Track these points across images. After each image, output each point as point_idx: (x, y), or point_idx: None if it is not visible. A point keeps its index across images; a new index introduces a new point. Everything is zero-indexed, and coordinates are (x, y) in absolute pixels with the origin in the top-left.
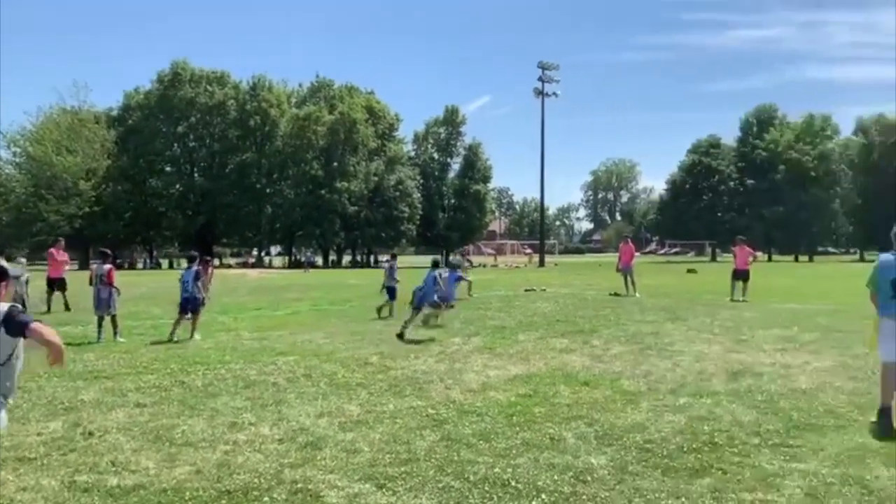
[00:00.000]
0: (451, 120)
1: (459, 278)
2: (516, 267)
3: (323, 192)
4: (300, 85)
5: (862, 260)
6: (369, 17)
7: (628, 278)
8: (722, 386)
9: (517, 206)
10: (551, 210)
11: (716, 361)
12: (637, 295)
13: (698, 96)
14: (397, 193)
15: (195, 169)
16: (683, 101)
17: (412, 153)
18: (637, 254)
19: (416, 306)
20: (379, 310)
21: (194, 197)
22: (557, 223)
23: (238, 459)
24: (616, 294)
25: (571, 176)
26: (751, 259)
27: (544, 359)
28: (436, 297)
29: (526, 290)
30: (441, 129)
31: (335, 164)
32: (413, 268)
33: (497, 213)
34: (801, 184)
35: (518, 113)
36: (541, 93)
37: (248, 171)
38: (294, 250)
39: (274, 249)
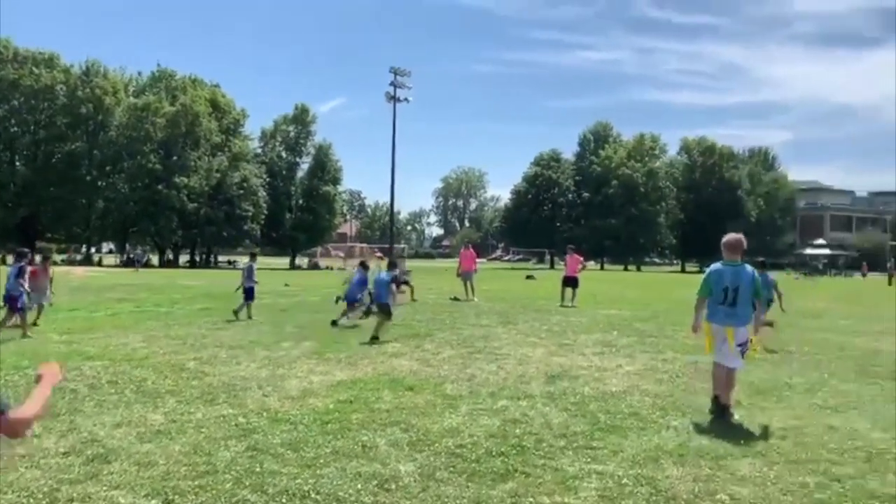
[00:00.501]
0: (301, 118)
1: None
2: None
3: (160, 187)
4: (139, 73)
5: (683, 271)
6: (218, 10)
7: (468, 283)
8: (539, 389)
9: (369, 210)
10: (403, 215)
11: (538, 364)
12: (475, 299)
13: (544, 111)
14: (241, 191)
15: (16, 157)
16: (530, 115)
17: (259, 150)
18: (482, 259)
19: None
20: (236, 312)
21: (14, 187)
22: (409, 228)
23: (9, 477)
24: (456, 299)
25: (425, 181)
26: (580, 267)
27: (373, 363)
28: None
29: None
30: (290, 128)
31: (174, 158)
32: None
33: (349, 216)
34: (632, 198)
35: (373, 116)
36: (393, 97)
37: (78, 162)
38: (128, 247)
39: (106, 246)
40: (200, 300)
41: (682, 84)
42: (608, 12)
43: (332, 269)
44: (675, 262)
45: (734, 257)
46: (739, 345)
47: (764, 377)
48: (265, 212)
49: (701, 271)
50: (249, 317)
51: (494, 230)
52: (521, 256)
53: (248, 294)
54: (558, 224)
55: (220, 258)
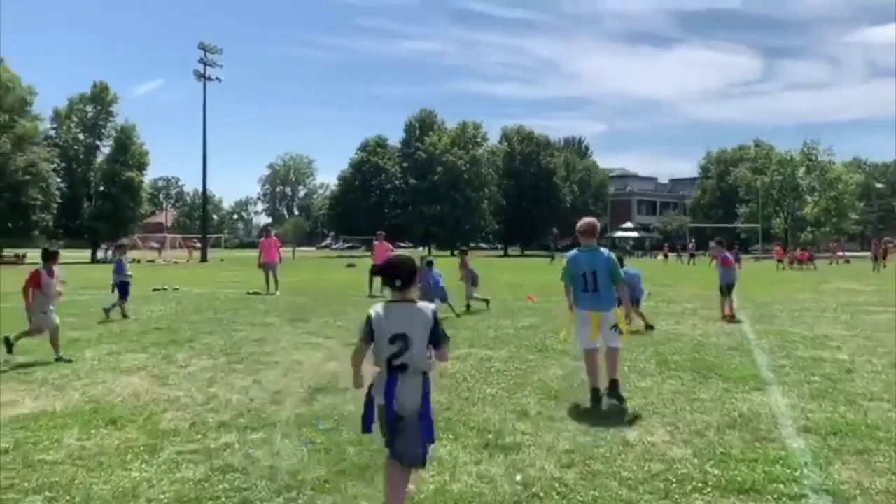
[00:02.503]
0: (101, 97)
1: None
2: (175, 262)
3: None
4: None
5: (506, 255)
6: None
7: (270, 275)
8: (290, 411)
9: (188, 198)
10: (227, 203)
11: (306, 375)
12: (277, 293)
13: (371, 98)
14: (28, 177)
15: None
16: (357, 102)
17: (52, 133)
18: (309, 248)
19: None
20: (107, 311)
21: None
22: (235, 216)
23: None
24: (256, 293)
25: (252, 169)
26: (390, 255)
27: (90, 384)
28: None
29: (154, 290)
30: (88, 108)
31: None
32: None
33: (166, 205)
34: (456, 184)
35: (192, 99)
36: (202, 76)
37: None
38: None
39: None
40: None
41: (503, 76)
42: (434, 3)
43: (138, 261)
44: (498, 246)
45: (590, 241)
46: (612, 327)
47: (559, 374)
48: (58, 199)
49: (523, 255)
50: (124, 316)
51: (323, 218)
52: (350, 244)
53: (122, 291)
54: (386, 210)
55: (6, 252)
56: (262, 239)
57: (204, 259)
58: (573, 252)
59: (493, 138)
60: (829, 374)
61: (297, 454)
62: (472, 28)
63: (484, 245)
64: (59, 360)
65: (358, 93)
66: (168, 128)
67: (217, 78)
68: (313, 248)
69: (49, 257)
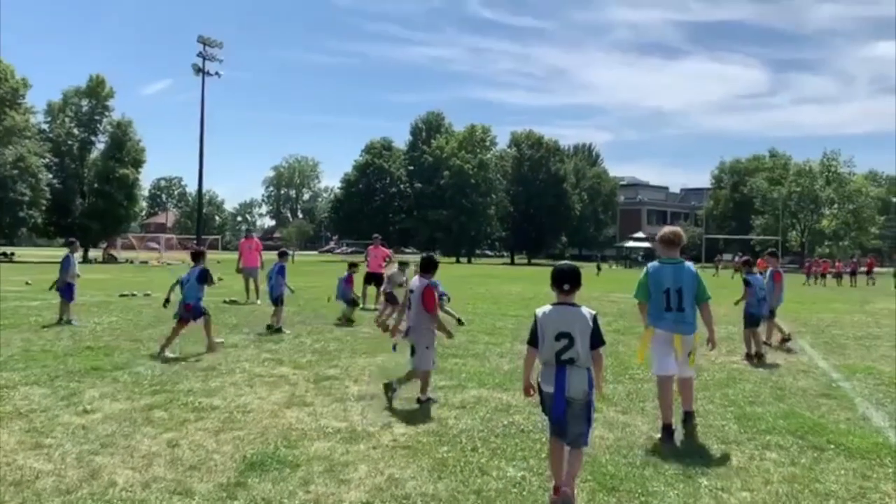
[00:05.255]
0: (96, 91)
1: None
2: (168, 264)
3: None
4: None
5: (512, 263)
6: None
7: (251, 282)
8: None
9: (190, 198)
10: (231, 205)
11: (249, 430)
12: (258, 302)
13: (379, 104)
14: (16, 171)
15: None
16: (365, 108)
17: (45, 126)
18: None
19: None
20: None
21: None
22: (239, 218)
23: None
24: (233, 301)
25: (258, 171)
26: (386, 261)
27: None
28: None
29: (121, 296)
30: (84, 102)
31: None
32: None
33: (168, 205)
34: (463, 189)
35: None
36: (200, 70)
37: None
38: None
39: None
40: None
41: (512, 84)
42: (443, 10)
43: (131, 262)
44: (504, 254)
45: (672, 253)
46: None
47: (609, 439)
48: (48, 196)
49: (529, 263)
50: (68, 321)
51: (326, 221)
52: (353, 248)
53: (65, 292)
54: (390, 215)
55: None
56: (242, 241)
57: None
58: (654, 264)
59: (502, 144)
60: None
61: None
62: (480, 35)
63: (490, 252)
64: None
65: (366, 98)
66: (174, 128)
67: (216, 73)
68: (316, 252)
69: None
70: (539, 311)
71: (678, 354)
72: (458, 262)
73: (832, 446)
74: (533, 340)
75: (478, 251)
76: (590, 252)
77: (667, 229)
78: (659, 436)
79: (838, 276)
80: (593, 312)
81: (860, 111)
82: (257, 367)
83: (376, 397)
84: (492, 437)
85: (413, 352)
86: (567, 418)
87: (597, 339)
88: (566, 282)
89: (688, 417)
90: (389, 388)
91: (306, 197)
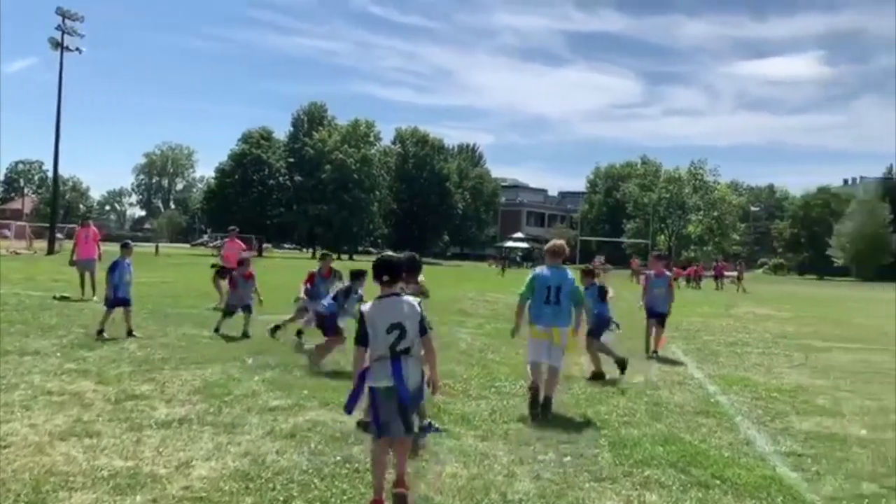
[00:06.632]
0: None
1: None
2: (16, 253)
3: None
4: None
5: None
6: None
7: (87, 275)
8: None
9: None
10: (99, 192)
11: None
12: (94, 298)
13: (260, 93)
14: None
15: None
16: (244, 96)
17: None
18: (183, 245)
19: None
20: None
21: None
22: (107, 207)
23: None
24: (64, 297)
25: (129, 158)
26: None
27: None
28: None
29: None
30: None
31: None
32: None
33: (26, 190)
34: (345, 184)
35: (66, 80)
36: (59, 44)
37: None
38: None
39: None
40: None
41: (399, 81)
42: (330, 2)
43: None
44: (386, 251)
45: (556, 262)
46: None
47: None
48: None
49: None
50: None
51: (199, 213)
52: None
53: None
54: (268, 208)
55: None
56: (79, 229)
57: (51, 251)
58: (542, 268)
59: (387, 140)
60: (867, 471)
61: None
62: (367, 29)
63: (372, 250)
64: None
65: (246, 87)
66: (37, 109)
67: (77, 49)
68: (188, 245)
69: None
70: (364, 308)
71: (554, 344)
72: (339, 258)
73: (718, 482)
74: (362, 339)
75: (360, 248)
76: (471, 251)
77: (553, 242)
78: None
79: (717, 278)
80: (418, 299)
81: (724, 125)
82: (51, 382)
83: (186, 422)
84: (316, 479)
85: None
86: (409, 407)
87: (423, 326)
88: (385, 273)
89: (547, 403)
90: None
91: (180, 187)
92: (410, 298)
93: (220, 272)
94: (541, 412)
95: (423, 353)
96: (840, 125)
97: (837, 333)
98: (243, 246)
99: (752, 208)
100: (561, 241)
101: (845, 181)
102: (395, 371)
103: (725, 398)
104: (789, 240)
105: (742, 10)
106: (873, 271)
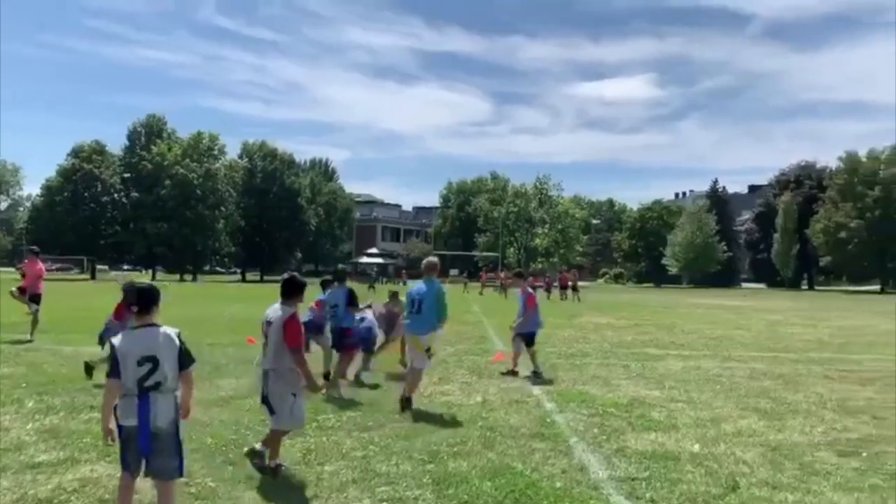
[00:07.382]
0: None
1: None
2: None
3: None
4: None
5: (243, 280)
6: None
7: None
8: None
9: None
10: None
11: None
12: None
13: (94, 106)
14: None
15: None
16: (76, 108)
17: None
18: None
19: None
20: None
21: None
22: None
23: None
24: None
25: None
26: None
27: None
28: None
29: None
30: None
31: None
32: None
33: None
34: (187, 201)
35: None
36: None
37: None
38: None
39: None
40: None
41: (246, 95)
42: (173, 13)
43: None
44: (235, 271)
45: (431, 275)
46: (425, 350)
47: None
48: None
49: (262, 280)
50: None
51: (25, 233)
52: (59, 265)
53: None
54: (102, 227)
55: None
56: None
57: None
58: (417, 282)
59: (233, 154)
60: (701, 492)
61: None
62: (213, 42)
63: (220, 269)
64: None
65: (79, 98)
66: None
67: None
68: (13, 269)
69: None
70: (115, 339)
71: (417, 349)
72: (181, 280)
73: None
74: (114, 371)
75: (207, 268)
76: (326, 268)
77: (429, 259)
78: None
79: (563, 288)
80: (177, 330)
81: (566, 143)
82: None
83: None
84: None
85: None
86: (154, 452)
87: (185, 359)
88: (134, 303)
89: (407, 403)
90: (254, 455)
91: (4, 206)
92: (169, 330)
93: (18, 290)
94: (401, 408)
95: (179, 388)
96: (669, 143)
97: (671, 341)
98: (42, 267)
99: (594, 221)
100: (434, 259)
101: (676, 195)
102: (141, 409)
103: (561, 417)
104: (628, 250)
105: (579, 33)
106: (703, 278)
